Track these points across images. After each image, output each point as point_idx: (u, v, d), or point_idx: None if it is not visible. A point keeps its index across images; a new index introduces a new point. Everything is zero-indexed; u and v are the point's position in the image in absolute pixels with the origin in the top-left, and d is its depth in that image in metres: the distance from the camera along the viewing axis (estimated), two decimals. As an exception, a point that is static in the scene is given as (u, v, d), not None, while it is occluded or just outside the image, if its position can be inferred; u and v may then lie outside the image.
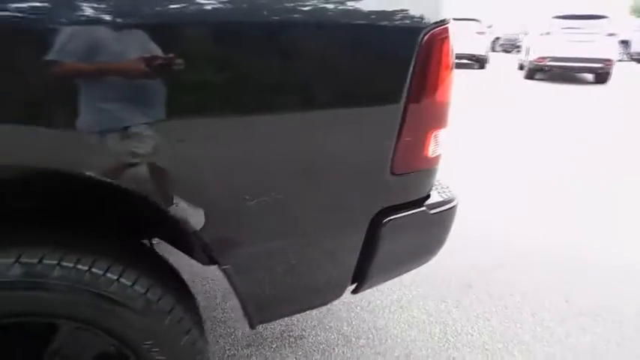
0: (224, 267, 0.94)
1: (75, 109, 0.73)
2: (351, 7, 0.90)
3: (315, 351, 1.62)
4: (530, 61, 11.09)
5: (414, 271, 2.11)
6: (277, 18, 0.84)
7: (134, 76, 0.75)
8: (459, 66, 14.66)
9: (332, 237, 1.03)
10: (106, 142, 0.76)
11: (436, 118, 1.03)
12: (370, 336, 1.71)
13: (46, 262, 0.82)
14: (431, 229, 1.16)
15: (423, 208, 1.10)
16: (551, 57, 10.53)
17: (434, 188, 1.21)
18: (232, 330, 1.70)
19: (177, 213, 0.84)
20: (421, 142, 1.01)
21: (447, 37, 0.98)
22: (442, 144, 1.11)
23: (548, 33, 10.93)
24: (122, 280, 0.87)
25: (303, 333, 1.71)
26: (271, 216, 0.94)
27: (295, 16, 0.85)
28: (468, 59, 14.00)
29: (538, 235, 2.59)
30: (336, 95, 0.93)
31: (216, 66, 0.82)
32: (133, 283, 0.89)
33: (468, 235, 2.53)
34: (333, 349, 1.63)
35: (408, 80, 0.94)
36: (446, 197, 1.19)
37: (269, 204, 0.92)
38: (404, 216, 1.07)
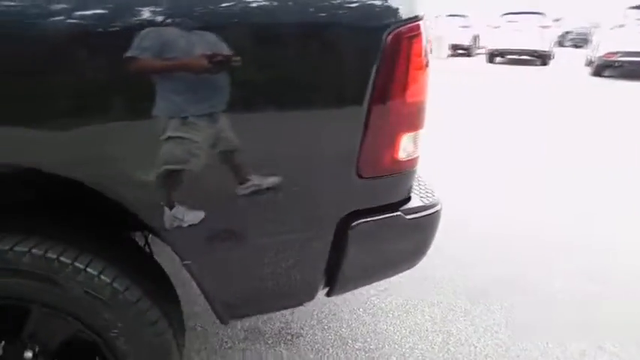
0: (185, 262, 0.97)
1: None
2: (312, 3, 0.89)
3: (309, 350, 1.62)
4: (599, 57, 10.27)
5: (423, 276, 2.08)
6: (232, 18, 0.85)
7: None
8: (518, 62, 14.03)
9: (297, 238, 1.02)
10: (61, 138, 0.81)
11: (407, 121, 0.99)
12: (368, 339, 1.68)
13: (17, 249, 0.89)
14: (408, 234, 1.12)
15: (398, 213, 1.06)
16: (623, 52, 9.69)
17: (416, 192, 1.17)
18: (233, 323, 1.74)
19: (132, 207, 0.88)
20: (389, 145, 0.98)
21: (417, 36, 0.94)
22: (418, 147, 1.06)
23: (621, 25, 10.06)
24: (88, 269, 0.93)
25: (301, 331, 1.72)
26: (231, 214, 0.95)
27: (249, 11, 0.85)
28: (529, 55, 13.24)
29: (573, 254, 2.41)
30: (298, 95, 0.92)
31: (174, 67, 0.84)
32: (100, 273, 0.94)
33: (487, 244, 2.42)
34: (328, 349, 1.63)
35: (370, 81, 0.91)
36: (427, 202, 1.14)
37: (228, 202, 0.94)
38: (375, 220, 1.04)
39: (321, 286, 1.12)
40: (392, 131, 0.97)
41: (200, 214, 0.93)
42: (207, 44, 0.81)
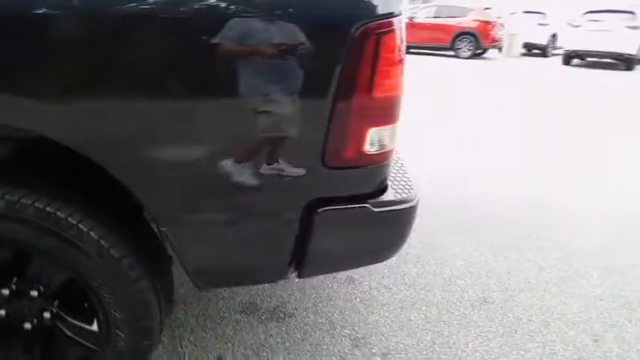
0: (162, 229, 1.07)
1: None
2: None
3: (297, 330, 1.69)
4: None
5: (431, 275, 2.07)
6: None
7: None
8: (597, 65, 12.88)
9: (264, 217, 1.09)
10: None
11: (375, 115, 1.01)
12: (356, 328, 1.72)
13: (22, 201, 1.03)
14: (377, 227, 1.15)
15: (366, 205, 1.09)
16: None
17: (394, 186, 1.19)
18: (234, 295, 1.86)
19: (116, 173, 0.99)
20: (354, 138, 1.01)
21: (389, 32, 0.96)
22: (393, 140, 1.08)
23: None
24: (80, 225, 1.06)
25: (294, 312, 1.79)
26: (201, 189, 1.04)
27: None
28: (613, 58, 12.17)
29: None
30: (269, 83, 0.97)
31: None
32: (89, 230, 1.06)
33: (501, 252, 2.34)
34: (315, 332, 1.69)
35: (336, 75, 0.94)
36: (400, 197, 1.15)
37: (199, 177, 1.02)
38: (341, 209, 1.08)
39: (291, 268, 1.18)
40: (357, 125, 1.00)
41: (172, 186, 1.02)
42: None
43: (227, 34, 0.90)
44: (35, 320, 1.19)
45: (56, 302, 1.19)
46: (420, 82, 8.12)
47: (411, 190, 1.20)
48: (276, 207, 1.08)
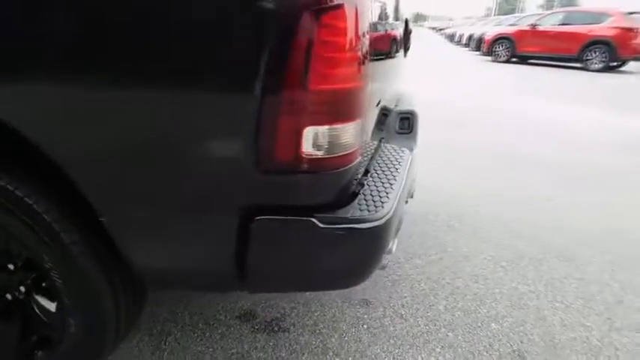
0: (101, 218, 1.03)
1: None
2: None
3: (284, 349, 1.55)
4: None
5: (461, 312, 1.76)
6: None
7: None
8: None
9: (197, 219, 0.99)
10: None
11: (315, 112, 0.84)
12: (350, 359, 1.52)
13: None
14: (325, 246, 0.96)
15: (310, 219, 0.93)
16: None
17: (361, 200, 1.00)
18: (236, 299, 1.79)
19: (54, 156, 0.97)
20: (289, 138, 0.85)
21: (334, 9, 0.79)
22: (350, 143, 0.90)
23: None
24: (26, 199, 1.06)
25: (291, 328, 1.66)
26: (132, 182, 0.97)
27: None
28: None
29: None
30: (189, 78, 0.87)
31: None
32: (34, 203, 1.06)
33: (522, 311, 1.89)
34: (303, 354, 1.53)
35: (263, 62, 0.80)
36: (361, 214, 0.96)
37: (126, 170, 0.96)
38: (279, 220, 0.93)
39: (236, 279, 1.06)
40: (289, 122, 0.84)
41: (107, 174, 0.97)
42: None
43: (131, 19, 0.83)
44: (15, 292, 1.25)
45: (30, 277, 1.23)
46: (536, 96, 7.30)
47: (380, 207, 0.99)
48: (208, 209, 0.97)
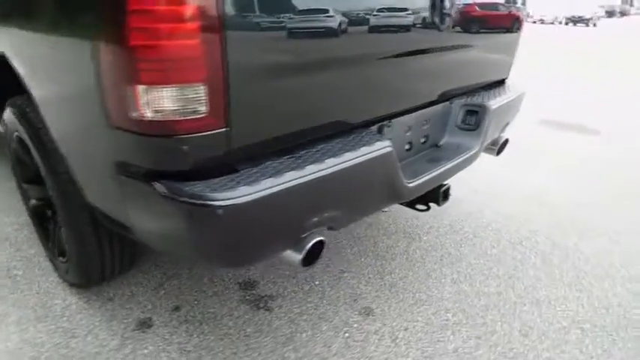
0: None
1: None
2: None
3: (253, 325, 1.53)
4: None
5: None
6: None
7: None
8: None
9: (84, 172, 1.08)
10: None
11: (146, 69, 0.79)
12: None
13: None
14: (166, 214, 0.90)
15: (152, 184, 0.89)
16: None
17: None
18: (251, 267, 1.83)
19: None
20: (123, 95, 0.83)
21: None
22: (201, 108, 0.83)
23: None
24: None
25: (275, 309, 1.61)
26: None
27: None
28: None
29: None
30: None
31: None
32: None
33: None
34: (265, 338, 1.48)
35: (90, 16, 0.81)
36: (202, 191, 0.86)
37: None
38: (133, 180, 0.93)
39: (125, 229, 1.10)
40: (118, 80, 0.82)
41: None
42: None
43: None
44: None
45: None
46: None
47: (234, 189, 0.87)
48: (92, 160, 1.05)
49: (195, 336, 1.48)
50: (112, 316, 1.55)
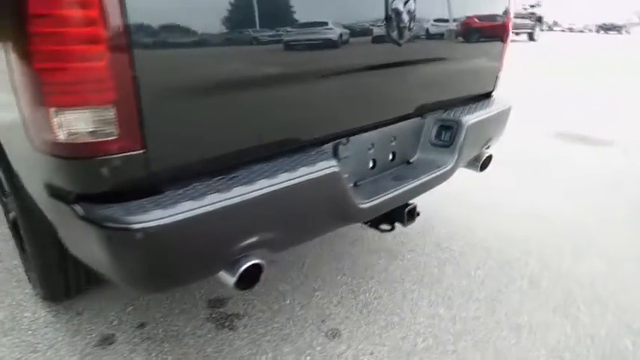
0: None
1: None
2: None
3: (213, 345, 1.50)
4: None
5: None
6: None
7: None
8: None
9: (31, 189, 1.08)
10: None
11: (53, 92, 0.78)
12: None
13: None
14: (84, 235, 0.89)
15: (73, 206, 0.88)
16: None
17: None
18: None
19: None
20: (37, 118, 0.82)
21: None
22: (117, 131, 0.82)
23: None
24: None
25: (239, 328, 1.58)
26: None
27: None
28: None
29: None
30: None
31: None
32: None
33: None
34: (225, 357, 1.44)
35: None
36: (114, 214, 0.84)
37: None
38: (55, 202, 0.92)
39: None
40: (33, 101, 0.81)
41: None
42: None
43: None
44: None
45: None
46: None
47: (150, 211, 0.85)
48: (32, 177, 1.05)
49: (154, 355, 1.46)
50: (76, 331, 1.56)
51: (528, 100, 5.61)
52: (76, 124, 0.81)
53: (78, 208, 0.88)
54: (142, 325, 1.59)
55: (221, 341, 1.52)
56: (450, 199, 2.59)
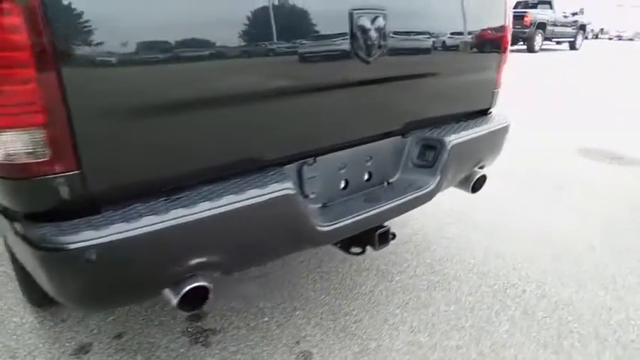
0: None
1: None
2: None
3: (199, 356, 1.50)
4: None
5: None
6: None
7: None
8: None
9: None
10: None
11: None
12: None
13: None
14: (23, 253, 0.90)
15: (14, 224, 0.90)
16: None
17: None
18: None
19: None
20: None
21: None
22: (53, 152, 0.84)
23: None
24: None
25: (212, 344, 1.57)
26: None
27: None
28: None
29: None
30: None
31: None
32: None
33: None
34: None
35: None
36: (43, 234, 0.85)
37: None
38: (3, 220, 0.95)
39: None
40: None
41: None
42: None
43: None
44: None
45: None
46: None
47: (80, 232, 0.85)
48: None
49: (124, 366, 1.48)
50: (57, 339, 1.60)
51: (548, 113, 5.36)
52: (12, 145, 0.84)
53: (17, 225, 0.90)
54: (119, 336, 1.61)
55: (192, 357, 1.52)
56: (453, 219, 2.49)
